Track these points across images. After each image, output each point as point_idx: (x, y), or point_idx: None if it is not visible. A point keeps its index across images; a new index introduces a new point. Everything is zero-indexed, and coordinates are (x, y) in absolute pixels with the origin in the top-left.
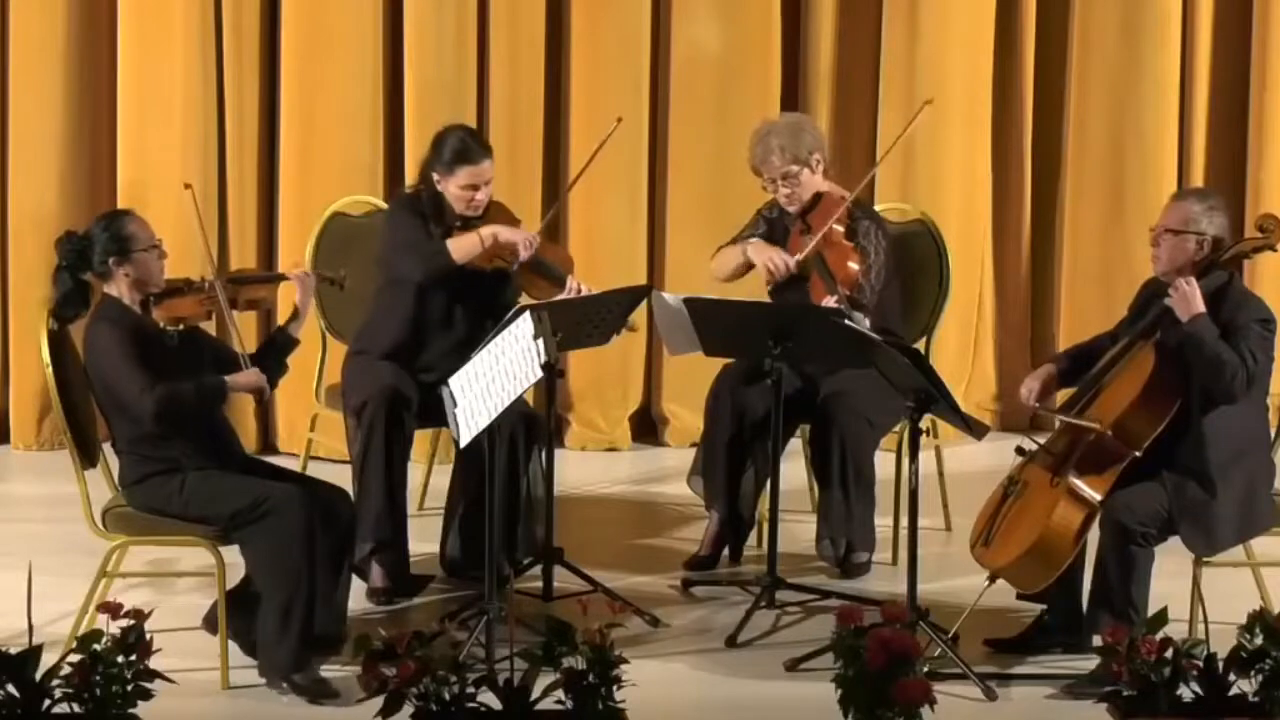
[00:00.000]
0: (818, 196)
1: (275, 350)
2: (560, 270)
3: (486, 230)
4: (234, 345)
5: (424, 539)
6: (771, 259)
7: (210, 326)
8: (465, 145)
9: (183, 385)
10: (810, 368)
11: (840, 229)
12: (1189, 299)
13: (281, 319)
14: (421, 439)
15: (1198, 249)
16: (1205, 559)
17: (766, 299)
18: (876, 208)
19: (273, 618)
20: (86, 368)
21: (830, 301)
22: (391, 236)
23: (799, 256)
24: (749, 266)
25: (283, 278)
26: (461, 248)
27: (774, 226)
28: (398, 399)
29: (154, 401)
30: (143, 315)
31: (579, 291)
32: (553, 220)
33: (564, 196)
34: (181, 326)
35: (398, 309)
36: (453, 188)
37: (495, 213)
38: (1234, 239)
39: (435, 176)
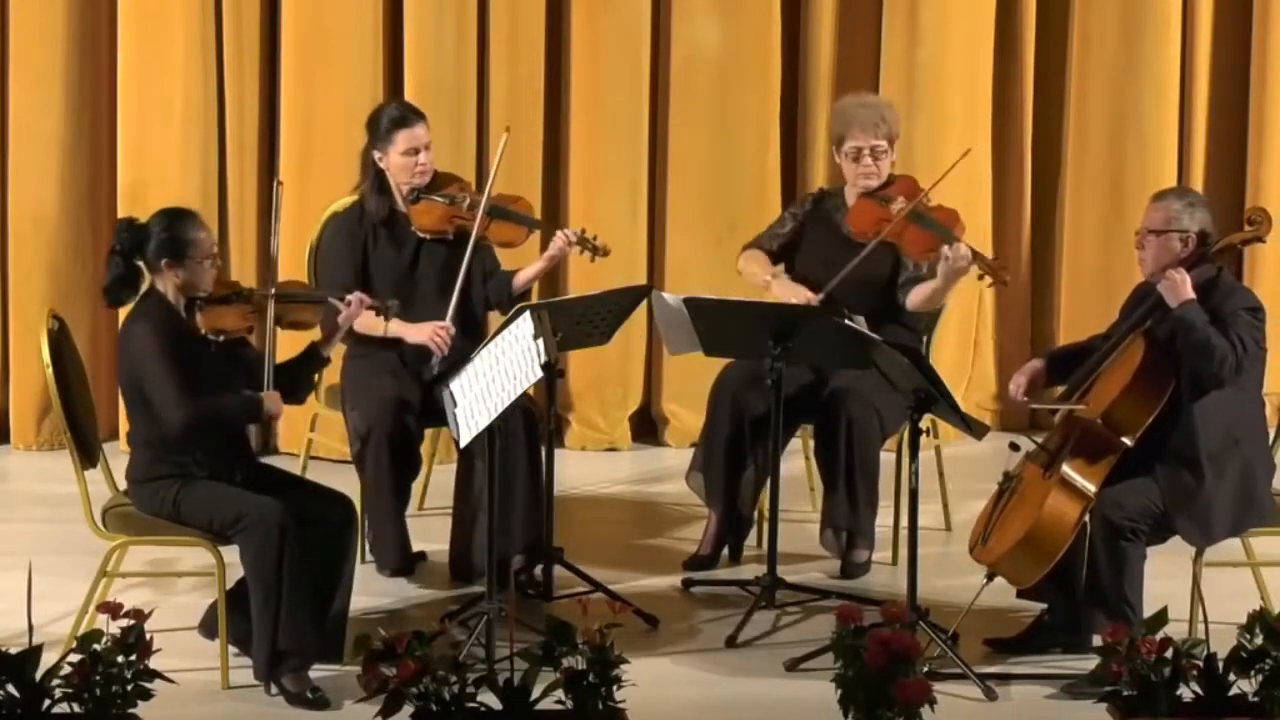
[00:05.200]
0: (890, 179)
1: (306, 366)
2: (523, 213)
3: (393, 329)
4: (266, 362)
5: (424, 539)
6: (795, 297)
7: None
8: (398, 112)
9: (214, 403)
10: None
11: (927, 199)
12: (1178, 286)
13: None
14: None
15: (1183, 246)
16: (1205, 560)
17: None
18: None
19: (254, 622)
20: (120, 362)
21: (950, 254)
22: (319, 263)
23: (896, 206)
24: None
25: (335, 297)
26: (365, 326)
27: (806, 223)
28: (401, 428)
29: (184, 417)
30: (186, 318)
31: (568, 235)
32: (549, 216)
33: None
34: (222, 338)
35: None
36: (395, 157)
37: (444, 181)
38: (1218, 232)
39: (377, 156)
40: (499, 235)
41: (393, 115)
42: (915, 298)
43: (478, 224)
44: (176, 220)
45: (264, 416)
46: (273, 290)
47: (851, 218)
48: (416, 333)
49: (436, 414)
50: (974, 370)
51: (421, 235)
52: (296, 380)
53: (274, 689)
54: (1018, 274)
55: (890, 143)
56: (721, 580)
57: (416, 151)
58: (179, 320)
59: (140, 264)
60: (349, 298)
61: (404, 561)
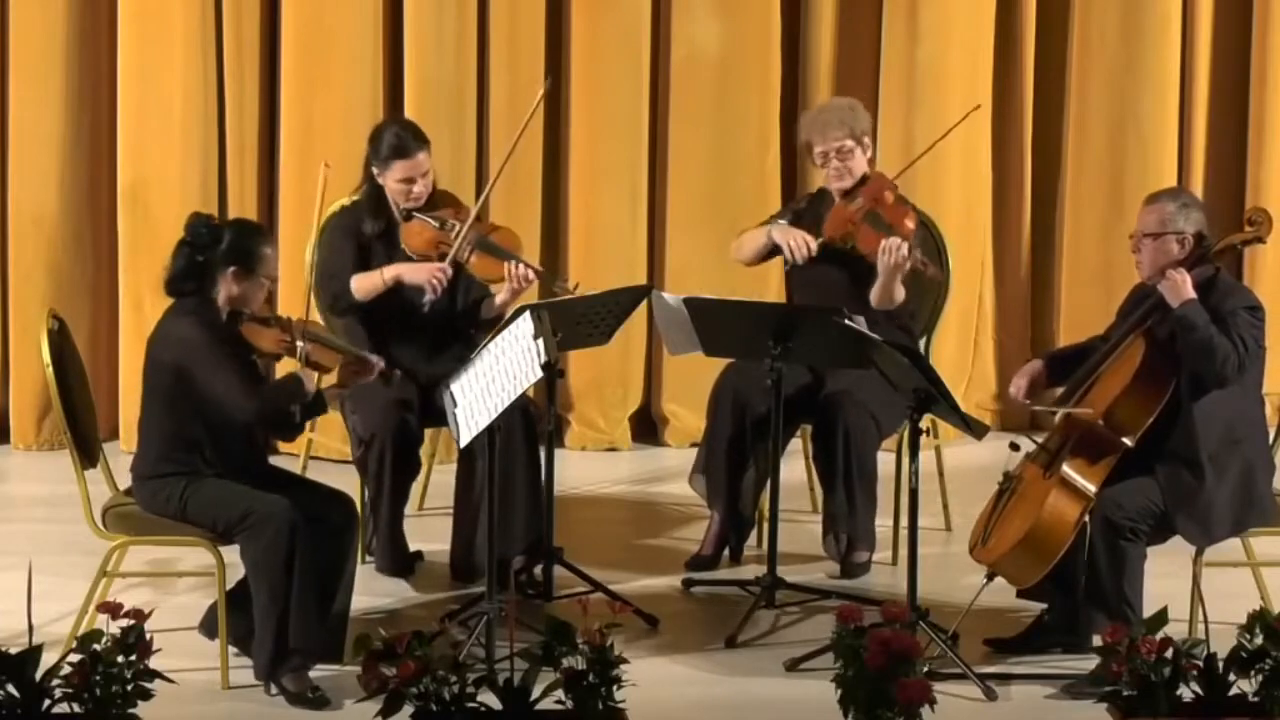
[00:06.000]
0: (863, 179)
1: (306, 409)
2: (507, 249)
3: (390, 272)
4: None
5: (424, 539)
6: (793, 240)
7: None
8: (399, 139)
9: (273, 390)
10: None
11: (891, 197)
12: (1179, 286)
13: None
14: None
15: (1179, 248)
16: (1205, 560)
17: (764, 293)
18: None
19: (256, 621)
20: (157, 350)
21: (886, 246)
22: (319, 261)
23: (854, 207)
24: (771, 250)
25: (356, 354)
26: (364, 287)
27: (802, 217)
28: (403, 431)
29: (258, 405)
30: (229, 325)
31: (524, 272)
32: (549, 216)
33: (493, 180)
34: (253, 356)
35: (359, 321)
36: (390, 182)
37: (441, 201)
38: (1217, 232)
39: (375, 171)
40: (482, 271)
41: (393, 143)
42: (873, 296)
43: (457, 252)
44: (253, 233)
45: (306, 392)
46: (307, 326)
47: (828, 224)
48: (414, 272)
49: (436, 414)
50: (974, 370)
51: (409, 255)
52: (293, 420)
53: (274, 689)
54: (1018, 274)
55: (857, 140)
56: (721, 580)
57: (412, 181)
58: (224, 326)
59: (201, 260)
60: (375, 358)
61: (403, 562)
